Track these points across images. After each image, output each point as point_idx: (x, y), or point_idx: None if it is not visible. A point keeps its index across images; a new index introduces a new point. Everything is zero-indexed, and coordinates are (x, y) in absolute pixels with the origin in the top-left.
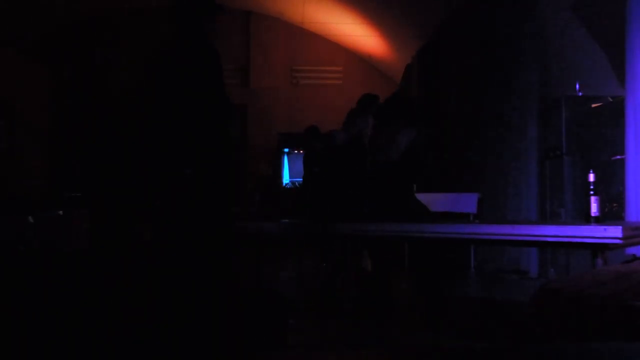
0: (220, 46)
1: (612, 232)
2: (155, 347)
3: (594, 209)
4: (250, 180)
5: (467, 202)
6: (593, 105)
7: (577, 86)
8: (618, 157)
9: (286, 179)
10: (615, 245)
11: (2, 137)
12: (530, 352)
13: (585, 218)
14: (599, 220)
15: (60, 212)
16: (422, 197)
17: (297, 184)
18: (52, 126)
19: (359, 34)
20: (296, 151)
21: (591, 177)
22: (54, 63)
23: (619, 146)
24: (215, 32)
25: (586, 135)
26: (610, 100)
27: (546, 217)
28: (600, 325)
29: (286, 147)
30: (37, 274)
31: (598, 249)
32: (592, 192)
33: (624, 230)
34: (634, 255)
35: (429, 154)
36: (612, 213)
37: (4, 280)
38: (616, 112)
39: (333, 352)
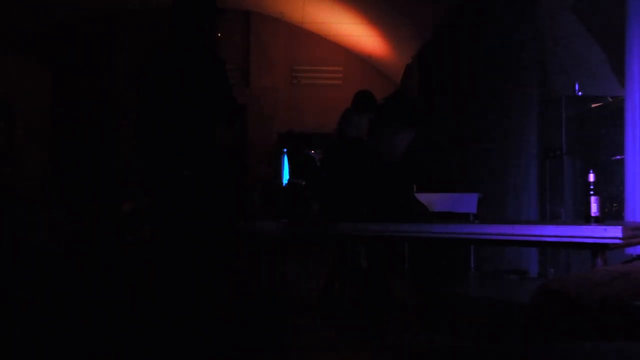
0: (220, 46)
1: (612, 232)
2: (155, 347)
3: (594, 209)
4: (250, 180)
5: (467, 202)
6: (593, 105)
7: (577, 86)
8: (618, 157)
9: (286, 179)
10: (615, 245)
11: (2, 137)
12: (531, 352)
13: (585, 218)
14: (599, 220)
15: (59, 212)
16: (422, 197)
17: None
18: (53, 126)
19: (359, 34)
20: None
21: (591, 177)
22: (54, 63)
23: (619, 146)
24: (215, 34)
25: (586, 135)
26: (610, 100)
27: (546, 217)
28: (600, 325)
29: (285, 148)
30: (36, 274)
31: (598, 249)
32: (592, 192)
33: (624, 230)
34: (633, 255)
35: (429, 154)
36: (612, 213)
37: (3, 280)
38: (616, 112)
39: (333, 352)
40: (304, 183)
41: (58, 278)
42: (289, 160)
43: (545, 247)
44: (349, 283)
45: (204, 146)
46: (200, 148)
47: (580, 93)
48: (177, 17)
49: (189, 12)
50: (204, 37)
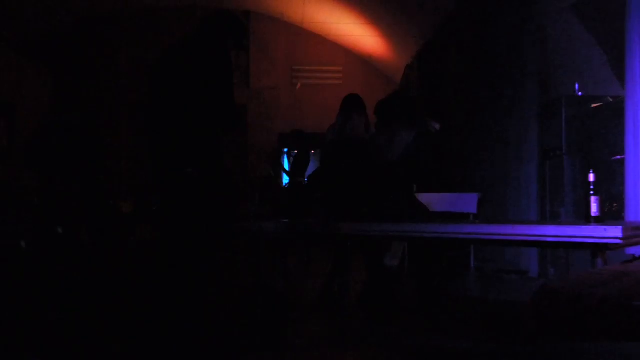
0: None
1: (612, 232)
2: (154, 347)
3: (594, 209)
4: (250, 180)
5: (467, 202)
6: (593, 105)
7: (577, 86)
8: (618, 157)
9: (286, 179)
10: (615, 245)
11: (2, 137)
12: (531, 352)
13: (585, 218)
14: (599, 220)
15: (58, 211)
16: (422, 197)
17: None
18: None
19: (359, 34)
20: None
21: (591, 177)
22: (54, 63)
23: (619, 146)
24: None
25: (586, 135)
26: (610, 100)
27: (546, 217)
28: (600, 325)
29: (286, 147)
30: (37, 273)
31: (598, 249)
32: (592, 192)
33: (624, 230)
34: (633, 255)
35: (428, 153)
36: (612, 213)
37: (3, 279)
38: (616, 112)
39: (333, 352)
40: (304, 182)
41: (57, 278)
42: (289, 159)
43: (545, 247)
44: (348, 282)
45: (206, 145)
46: (203, 147)
47: (580, 93)
48: (206, 25)
49: (217, 38)
50: (220, 42)
